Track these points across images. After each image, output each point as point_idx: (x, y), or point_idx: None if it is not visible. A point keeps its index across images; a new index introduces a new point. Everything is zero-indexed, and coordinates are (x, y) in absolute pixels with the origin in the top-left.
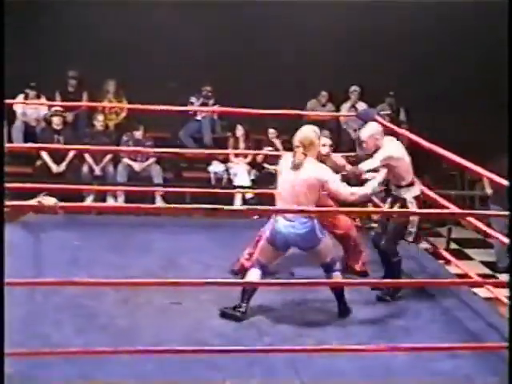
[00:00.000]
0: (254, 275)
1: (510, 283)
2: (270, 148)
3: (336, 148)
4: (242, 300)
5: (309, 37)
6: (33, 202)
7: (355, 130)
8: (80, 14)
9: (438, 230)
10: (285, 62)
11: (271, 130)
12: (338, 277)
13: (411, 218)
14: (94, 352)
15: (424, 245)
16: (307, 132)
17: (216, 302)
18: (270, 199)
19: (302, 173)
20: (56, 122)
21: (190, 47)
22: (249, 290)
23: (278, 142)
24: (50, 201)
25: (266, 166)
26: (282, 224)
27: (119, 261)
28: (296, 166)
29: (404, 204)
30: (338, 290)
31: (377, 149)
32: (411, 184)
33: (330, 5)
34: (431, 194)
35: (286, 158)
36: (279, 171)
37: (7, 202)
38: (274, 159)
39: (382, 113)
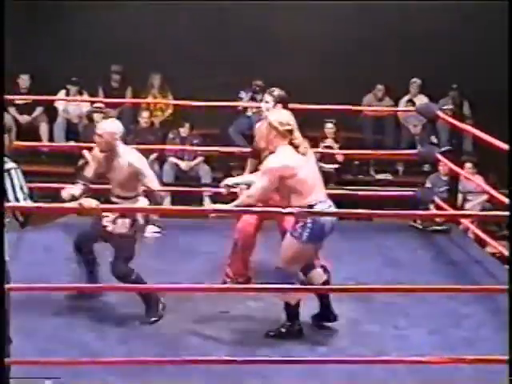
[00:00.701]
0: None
1: (509, 282)
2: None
3: (393, 145)
4: (293, 321)
5: (367, 27)
6: (73, 203)
7: (415, 126)
8: (122, 7)
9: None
10: (339, 54)
11: (329, 125)
12: (319, 273)
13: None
14: (137, 361)
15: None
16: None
17: (265, 309)
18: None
19: (310, 156)
20: (97, 119)
21: (241, 39)
22: (294, 309)
23: (331, 140)
24: (92, 202)
25: (321, 164)
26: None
27: (164, 266)
28: (306, 152)
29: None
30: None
31: (109, 150)
32: (136, 196)
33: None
34: (496, 194)
35: (287, 150)
36: (294, 166)
37: (47, 204)
38: (331, 157)
39: (444, 107)
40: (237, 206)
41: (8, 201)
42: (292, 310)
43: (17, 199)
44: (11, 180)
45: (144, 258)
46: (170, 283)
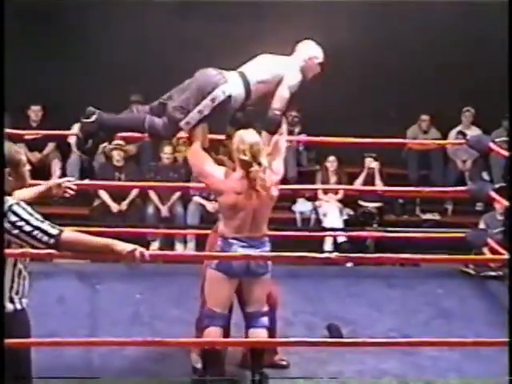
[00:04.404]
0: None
1: (509, 286)
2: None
3: (441, 181)
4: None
5: (408, 51)
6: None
7: (464, 162)
8: (141, 30)
9: None
10: (382, 82)
11: (368, 159)
12: (264, 334)
13: None
14: None
15: None
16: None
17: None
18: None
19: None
20: (116, 157)
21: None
22: (213, 356)
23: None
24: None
25: (361, 203)
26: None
27: (188, 316)
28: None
29: None
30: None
31: None
32: None
33: (439, 20)
34: None
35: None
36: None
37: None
38: (372, 195)
39: (498, 140)
40: None
41: (31, 236)
42: (207, 355)
43: (38, 227)
44: (17, 215)
45: (166, 306)
46: None
